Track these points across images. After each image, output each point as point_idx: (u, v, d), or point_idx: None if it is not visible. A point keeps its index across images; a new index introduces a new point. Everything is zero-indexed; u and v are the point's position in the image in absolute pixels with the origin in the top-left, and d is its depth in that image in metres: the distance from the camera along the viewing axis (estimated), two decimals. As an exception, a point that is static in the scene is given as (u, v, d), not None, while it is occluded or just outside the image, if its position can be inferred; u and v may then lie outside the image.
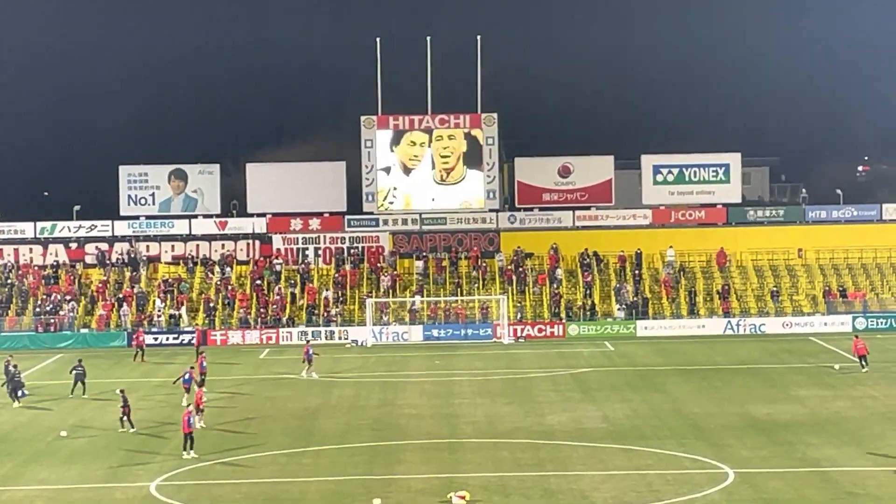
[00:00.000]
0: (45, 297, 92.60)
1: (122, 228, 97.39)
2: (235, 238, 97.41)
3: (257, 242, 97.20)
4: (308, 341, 77.78)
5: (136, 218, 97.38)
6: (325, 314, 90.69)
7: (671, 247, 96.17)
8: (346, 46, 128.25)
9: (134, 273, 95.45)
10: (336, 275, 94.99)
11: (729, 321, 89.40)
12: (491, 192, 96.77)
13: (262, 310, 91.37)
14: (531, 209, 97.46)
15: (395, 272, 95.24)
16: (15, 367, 65.54)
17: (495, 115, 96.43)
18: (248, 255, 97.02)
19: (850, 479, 45.02)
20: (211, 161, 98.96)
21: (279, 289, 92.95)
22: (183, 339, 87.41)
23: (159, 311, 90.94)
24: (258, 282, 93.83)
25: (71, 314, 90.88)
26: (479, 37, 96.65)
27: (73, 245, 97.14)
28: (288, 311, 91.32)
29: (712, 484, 44.65)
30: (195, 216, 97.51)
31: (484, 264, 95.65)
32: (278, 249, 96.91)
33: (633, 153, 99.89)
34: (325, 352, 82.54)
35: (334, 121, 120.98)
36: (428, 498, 43.54)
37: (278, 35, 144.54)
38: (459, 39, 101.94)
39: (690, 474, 46.29)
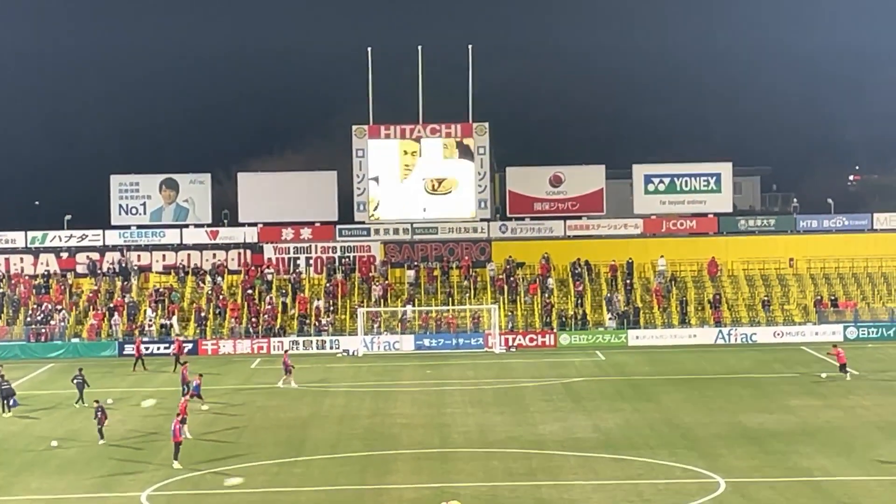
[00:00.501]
0: (35, 306, 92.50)
1: (113, 238, 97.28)
2: (227, 247, 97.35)
3: (248, 252, 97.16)
4: (286, 351, 78.02)
5: (128, 227, 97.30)
6: (317, 324, 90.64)
7: (662, 256, 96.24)
8: (338, 56, 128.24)
9: (125, 282, 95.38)
10: (327, 284, 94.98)
11: (720, 331, 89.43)
12: (482, 201, 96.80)
13: (253, 319, 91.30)
14: (522, 218, 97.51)
15: (387, 281, 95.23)
16: (2, 376, 65.29)
17: (486, 125, 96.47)
18: (239, 265, 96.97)
19: (842, 489, 45.03)
20: (202, 170, 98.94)
21: (270, 298, 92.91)
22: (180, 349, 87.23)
23: (150, 320, 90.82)
24: (249, 291, 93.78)
25: (62, 324, 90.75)
26: (470, 46, 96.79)
27: (64, 254, 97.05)
28: (279, 320, 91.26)
29: (703, 494, 44.62)
30: (186, 226, 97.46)
31: (475, 274, 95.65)
32: (269, 259, 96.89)
33: (625, 163, 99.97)
34: (317, 361, 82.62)
35: (326, 130, 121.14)
36: (419, 508, 43.54)
37: (269, 44, 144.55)
38: (451, 49, 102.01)
39: (682, 484, 46.29)
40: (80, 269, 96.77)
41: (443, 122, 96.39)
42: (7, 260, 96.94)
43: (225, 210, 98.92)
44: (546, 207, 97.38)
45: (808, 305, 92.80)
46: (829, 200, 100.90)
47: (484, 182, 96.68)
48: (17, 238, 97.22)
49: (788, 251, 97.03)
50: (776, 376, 72.90)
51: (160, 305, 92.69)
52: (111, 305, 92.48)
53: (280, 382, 71.97)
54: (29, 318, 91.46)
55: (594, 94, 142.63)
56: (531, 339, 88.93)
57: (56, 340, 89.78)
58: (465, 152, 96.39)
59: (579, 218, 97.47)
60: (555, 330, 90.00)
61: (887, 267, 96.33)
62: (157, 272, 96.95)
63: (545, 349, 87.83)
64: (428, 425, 58.99)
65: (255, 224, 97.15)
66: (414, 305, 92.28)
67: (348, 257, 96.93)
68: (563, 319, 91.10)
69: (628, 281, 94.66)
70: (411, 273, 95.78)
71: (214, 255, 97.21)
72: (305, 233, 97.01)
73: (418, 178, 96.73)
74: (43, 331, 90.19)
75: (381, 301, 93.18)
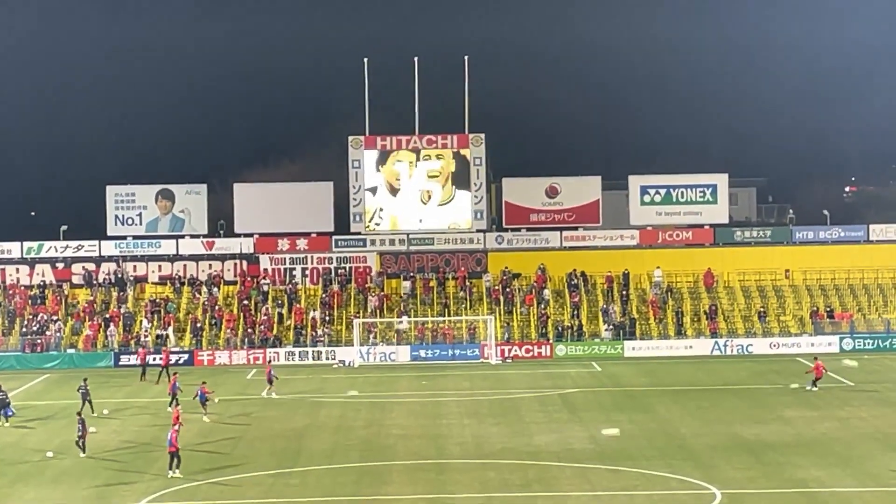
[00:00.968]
0: (31, 317, 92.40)
1: (108, 248, 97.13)
2: (223, 258, 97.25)
3: (244, 262, 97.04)
4: (269, 361, 77.73)
5: (123, 238, 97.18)
6: (313, 334, 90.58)
7: (658, 267, 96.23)
8: (334, 67, 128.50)
9: (121, 293, 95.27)
10: (323, 295, 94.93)
11: (716, 342, 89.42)
12: (478, 212, 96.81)
13: (249, 330, 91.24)
14: (518, 229, 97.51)
15: (383, 292, 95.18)
16: (-4, 386, 65.26)
17: (483, 136, 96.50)
18: (235, 276, 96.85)
19: (838, 500, 45.06)
20: (198, 181, 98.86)
21: (266, 309, 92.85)
22: (171, 360, 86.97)
23: (146, 331, 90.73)
24: (245, 302, 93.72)
25: (58, 334, 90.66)
26: (466, 57, 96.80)
27: (60, 265, 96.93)
28: (275, 331, 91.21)
29: (700, 505, 44.70)
30: (182, 236, 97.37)
31: (471, 284, 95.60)
32: (265, 269, 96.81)
33: (621, 174, 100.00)
34: (313, 372, 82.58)
35: (322, 141, 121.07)
36: (415, 519, 43.52)
37: (266, 55, 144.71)
38: (447, 60, 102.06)
39: (677, 495, 46.28)
40: (76, 279, 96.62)
41: (439, 133, 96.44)
42: (3, 270, 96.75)
43: (221, 221, 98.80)
44: (542, 218, 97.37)
45: (804, 317, 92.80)
46: (825, 212, 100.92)
47: (480, 193, 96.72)
48: (13, 248, 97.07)
49: (784, 262, 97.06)
50: (772, 387, 72.88)
51: (156, 316, 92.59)
52: (107, 316, 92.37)
53: (264, 392, 72.36)
54: (25, 329, 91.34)
55: (590, 105, 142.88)
56: (527, 350, 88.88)
57: (52, 351, 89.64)
58: (462, 163, 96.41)
59: (575, 229, 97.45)
60: (551, 341, 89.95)
61: (883, 278, 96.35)
62: (153, 283, 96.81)
63: (541, 360, 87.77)
64: (424, 436, 58.95)
65: (251, 235, 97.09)
66: (410, 316, 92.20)
67: (344, 268, 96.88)
68: (560, 330, 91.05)
69: (624, 292, 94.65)
70: (407, 284, 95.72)
71: (210, 266, 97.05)
72: (302, 243, 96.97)
73: (414, 189, 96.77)
74: (39, 341, 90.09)
75: (377, 312, 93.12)
